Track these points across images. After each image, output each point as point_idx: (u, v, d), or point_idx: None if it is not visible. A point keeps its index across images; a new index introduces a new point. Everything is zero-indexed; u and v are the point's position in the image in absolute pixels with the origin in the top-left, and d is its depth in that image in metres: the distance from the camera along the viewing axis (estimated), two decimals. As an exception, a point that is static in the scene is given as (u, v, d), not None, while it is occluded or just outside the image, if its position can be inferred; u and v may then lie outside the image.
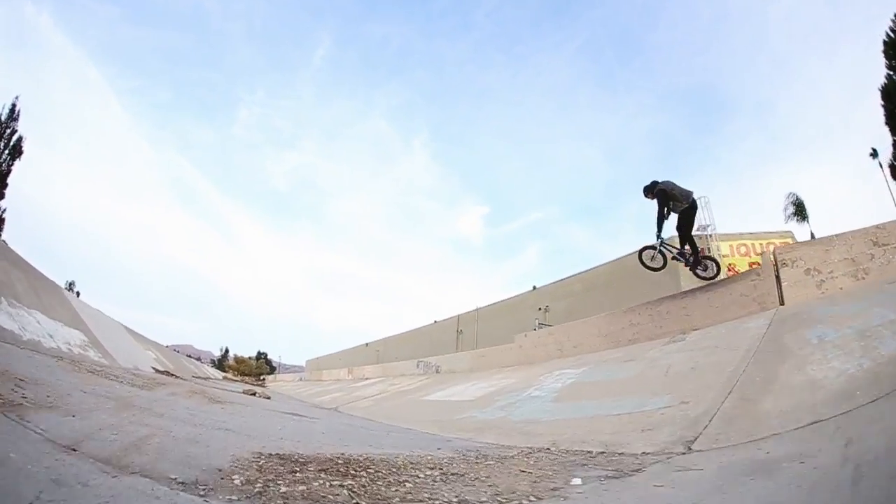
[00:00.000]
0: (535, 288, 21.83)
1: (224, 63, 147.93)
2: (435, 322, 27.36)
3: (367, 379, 17.10)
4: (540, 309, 20.70)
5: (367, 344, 36.53)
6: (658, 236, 6.89)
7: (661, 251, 7.03)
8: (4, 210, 26.84)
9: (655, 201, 6.72)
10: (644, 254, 7.27)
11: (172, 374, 8.39)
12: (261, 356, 72.32)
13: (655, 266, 7.09)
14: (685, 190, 6.63)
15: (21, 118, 27.75)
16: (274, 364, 71.64)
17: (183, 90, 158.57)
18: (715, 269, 7.01)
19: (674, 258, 7.10)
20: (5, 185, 26.85)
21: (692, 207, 6.74)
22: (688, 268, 7.09)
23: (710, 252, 15.91)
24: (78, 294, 24.27)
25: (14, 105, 27.95)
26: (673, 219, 6.79)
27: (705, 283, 6.91)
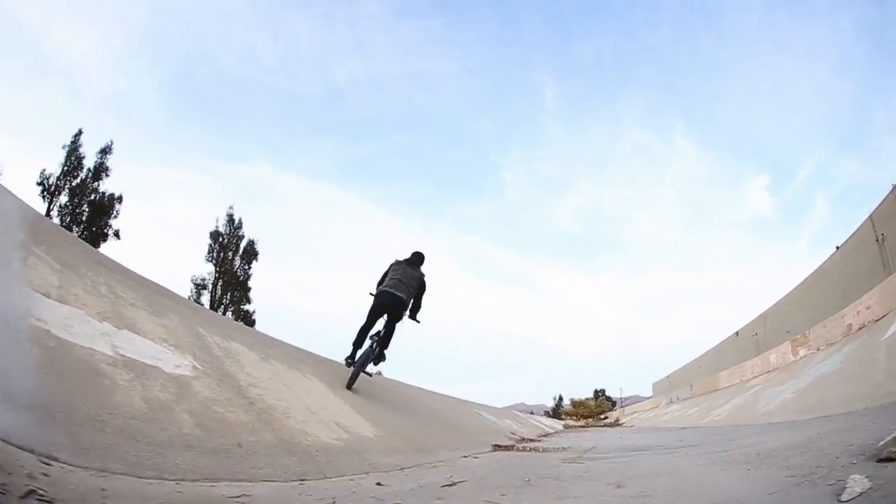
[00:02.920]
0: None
1: (465, 140, 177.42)
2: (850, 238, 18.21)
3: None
4: None
5: (737, 333, 30.80)
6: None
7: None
8: (254, 312, 28.80)
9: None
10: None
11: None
12: (598, 394, 71.56)
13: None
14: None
15: (244, 225, 29.41)
16: (614, 399, 69.47)
17: (439, 178, 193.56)
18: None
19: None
20: (248, 289, 28.88)
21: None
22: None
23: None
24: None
25: (230, 215, 29.33)
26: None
27: None
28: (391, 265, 5.48)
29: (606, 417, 47.19)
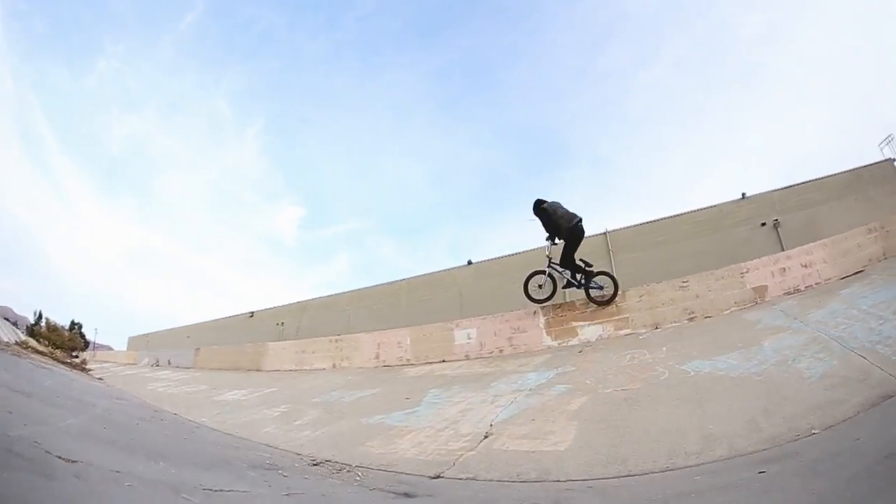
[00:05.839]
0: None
1: (96, 3, 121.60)
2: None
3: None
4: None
5: (251, 314, 26.49)
6: (547, 257, 6.59)
7: (550, 275, 6.58)
8: None
9: (539, 221, 6.57)
10: (531, 283, 6.63)
11: None
12: (74, 327, 57.45)
13: (541, 297, 6.57)
14: (570, 213, 6.43)
15: None
16: (87, 339, 57.62)
17: (59, 26, 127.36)
18: (612, 287, 6.43)
19: (566, 286, 6.66)
20: None
21: (574, 232, 6.36)
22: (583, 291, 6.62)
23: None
24: None
25: None
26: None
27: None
28: (557, 205, 6.58)
29: (77, 356, 37.05)
